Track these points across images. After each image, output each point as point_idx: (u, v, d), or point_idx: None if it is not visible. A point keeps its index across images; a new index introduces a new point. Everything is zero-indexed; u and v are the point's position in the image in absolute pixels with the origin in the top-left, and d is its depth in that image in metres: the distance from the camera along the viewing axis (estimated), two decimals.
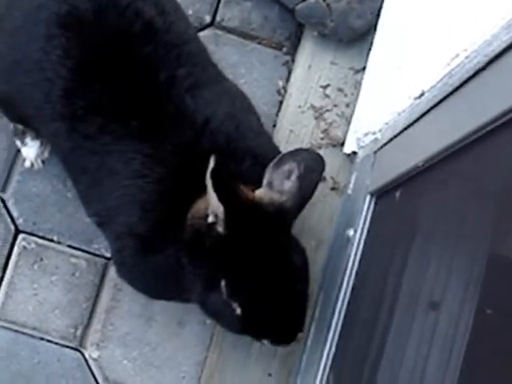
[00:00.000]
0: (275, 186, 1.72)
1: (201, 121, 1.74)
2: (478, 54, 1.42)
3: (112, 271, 2.14)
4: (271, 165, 1.72)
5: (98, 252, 2.16)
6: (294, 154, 1.74)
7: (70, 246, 2.15)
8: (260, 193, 1.71)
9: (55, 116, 1.74)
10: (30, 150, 2.15)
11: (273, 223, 1.70)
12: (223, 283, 1.68)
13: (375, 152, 1.95)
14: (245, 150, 1.78)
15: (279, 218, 1.71)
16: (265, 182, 1.73)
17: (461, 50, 1.51)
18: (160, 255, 1.77)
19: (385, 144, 1.90)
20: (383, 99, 1.98)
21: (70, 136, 1.75)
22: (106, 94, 1.71)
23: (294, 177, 1.72)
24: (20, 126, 2.09)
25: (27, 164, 2.16)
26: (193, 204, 1.73)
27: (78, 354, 2.13)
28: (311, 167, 1.74)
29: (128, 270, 1.88)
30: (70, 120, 1.73)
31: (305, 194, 1.74)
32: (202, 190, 1.63)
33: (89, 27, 1.70)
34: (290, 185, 1.71)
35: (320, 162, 1.76)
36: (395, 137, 1.83)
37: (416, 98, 1.72)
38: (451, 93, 1.54)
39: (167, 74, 1.73)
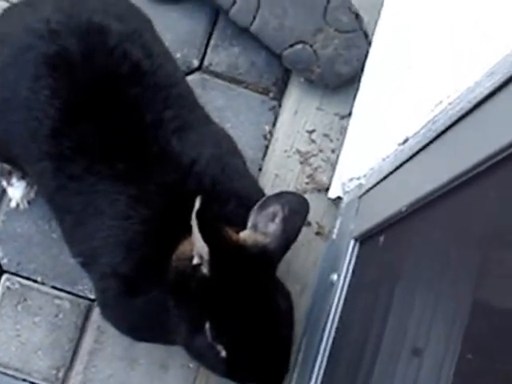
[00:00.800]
0: (260, 228, 1.72)
1: (186, 162, 1.74)
2: (461, 100, 1.44)
3: (96, 313, 2.13)
4: (256, 207, 1.72)
5: (81, 293, 2.14)
6: (279, 196, 1.75)
7: (53, 287, 2.14)
8: (245, 235, 1.71)
9: (42, 155, 1.74)
10: (16, 190, 2.14)
11: (257, 265, 1.70)
12: (207, 326, 1.67)
13: (360, 197, 1.96)
14: (230, 192, 1.78)
15: (264, 260, 1.70)
16: (249, 224, 1.73)
17: (444, 97, 1.52)
18: (144, 297, 1.76)
19: (369, 189, 1.91)
20: (368, 145, 1.99)
21: (56, 176, 1.75)
22: (93, 135, 1.72)
23: (278, 219, 1.72)
24: (6, 166, 2.09)
25: (13, 204, 2.16)
26: (178, 245, 1.73)
27: None
28: (296, 210, 1.74)
29: (111, 311, 1.87)
30: (56, 160, 1.73)
31: (289, 236, 1.74)
32: (187, 232, 1.63)
33: (77, 68, 1.70)
34: (274, 227, 1.71)
35: (304, 205, 1.77)
36: (379, 182, 1.84)
37: (400, 144, 1.73)
38: (434, 139, 1.55)
39: (154, 116, 1.74)
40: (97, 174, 1.73)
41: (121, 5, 1.86)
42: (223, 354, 1.68)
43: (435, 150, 1.55)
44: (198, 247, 1.63)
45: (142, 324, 1.84)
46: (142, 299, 1.77)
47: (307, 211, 1.78)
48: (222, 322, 1.68)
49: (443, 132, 1.51)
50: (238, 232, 1.72)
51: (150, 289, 1.75)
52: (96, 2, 1.79)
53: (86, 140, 1.72)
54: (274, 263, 1.74)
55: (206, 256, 1.62)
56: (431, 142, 1.57)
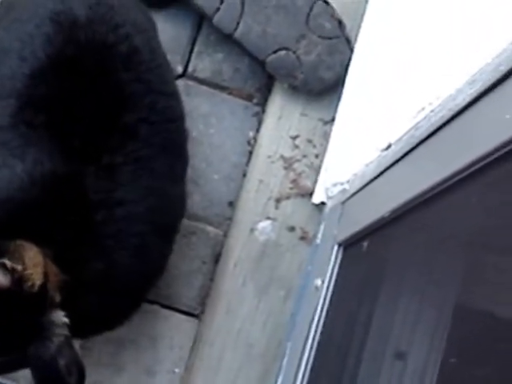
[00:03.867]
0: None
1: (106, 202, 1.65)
2: (443, 107, 1.45)
3: None
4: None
5: None
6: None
7: None
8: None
9: (12, 92, 1.68)
10: None
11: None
12: None
13: (343, 202, 1.98)
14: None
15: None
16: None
17: (426, 104, 1.54)
18: None
19: (353, 195, 1.92)
20: (351, 150, 2.01)
21: (15, 115, 1.67)
22: (67, 97, 1.67)
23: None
24: None
25: None
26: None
27: None
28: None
29: None
30: (23, 102, 1.67)
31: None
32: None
33: (79, 29, 1.68)
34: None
35: None
36: (363, 188, 1.85)
37: (383, 150, 1.75)
38: (417, 145, 1.57)
39: (131, 118, 1.68)
40: (48, 132, 1.66)
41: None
42: None
43: (418, 157, 1.57)
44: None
45: None
46: None
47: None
48: None
49: (426, 138, 1.53)
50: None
51: None
52: None
53: (58, 97, 1.67)
54: None
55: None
56: (414, 148, 1.58)
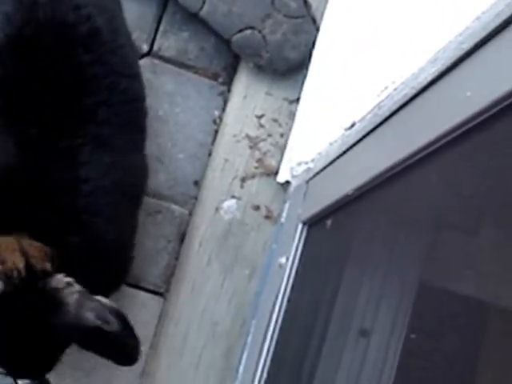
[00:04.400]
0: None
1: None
2: (406, 86, 1.47)
3: None
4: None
5: None
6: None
7: None
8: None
9: None
10: None
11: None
12: None
13: (307, 181, 1.99)
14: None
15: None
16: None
17: (389, 83, 1.55)
18: None
19: (317, 173, 1.93)
20: (316, 129, 2.01)
21: None
22: (23, 77, 1.63)
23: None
24: None
25: None
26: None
27: None
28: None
29: None
30: None
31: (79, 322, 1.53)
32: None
33: (39, 7, 1.63)
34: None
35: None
36: (327, 166, 1.86)
37: (347, 129, 1.76)
38: (380, 124, 1.58)
39: (93, 100, 1.66)
40: (4, 119, 1.63)
41: None
42: None
43: (381, 135, 1.58)
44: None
45: None
46: None
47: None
48: None
49: (389, 117, 1.54)
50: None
51: None
52: None
53: (16, 79, 1.64)
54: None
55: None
56: (377, 126, 1.59)
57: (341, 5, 2.15)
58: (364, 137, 1.66)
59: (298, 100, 2.21)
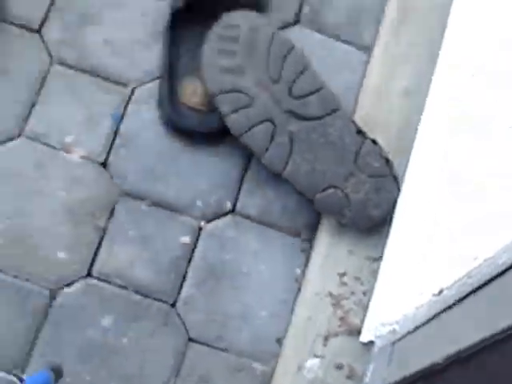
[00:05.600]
0: None
1: None
2: (500, 258, 1.46)
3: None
4: None
5: None
6: None
7: None
8: None
9: None
10: None
11: None
12: None
13: (393, 343, 1.96)
14: None
15: None
16: None
17: (480, 253, 1.54)
18: None
19: (403, 336, 1.91)
20: (400, 291, 2.00)
21: None
22: None
23: None
24: None
25: None
26: None
27: None
28: None
29: None
30: None
31: None
32: None
33: None
34: None
35: None
36: (414, 331, 1.84)
37: (435, 295, 1.74)
38: (470, 293, 1.57)
39: None
40: None
41: None
42: None
43: (471, 305, 1.57)
44: None
45: None
46: None
47: None
48: None
49: (479, 287, 1.53)
50: None
51: None
52: None
53: None
54: None
55: None
56: (467, 296, 1.58)
57: (423, 163, 2.16)
58: (453, 305, 1.64)
59: (380, 258, 2.21)
